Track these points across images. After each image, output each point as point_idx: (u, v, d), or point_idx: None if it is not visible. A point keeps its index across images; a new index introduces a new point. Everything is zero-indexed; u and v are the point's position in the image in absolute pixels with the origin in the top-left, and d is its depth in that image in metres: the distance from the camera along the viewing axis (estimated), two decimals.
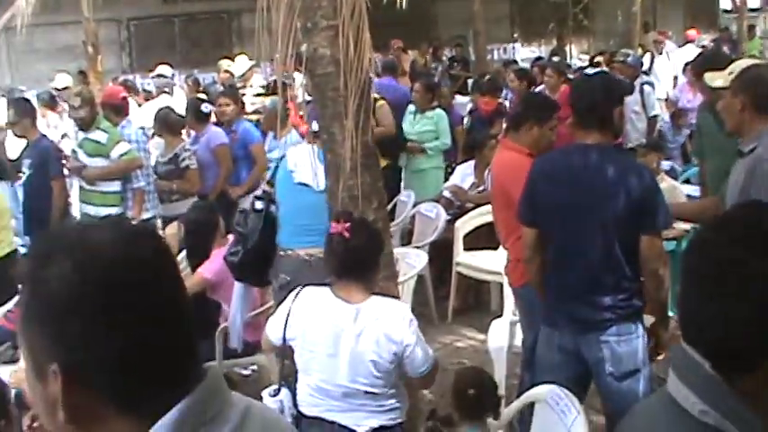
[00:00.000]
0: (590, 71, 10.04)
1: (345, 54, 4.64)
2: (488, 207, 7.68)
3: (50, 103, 12.84)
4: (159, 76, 13.57)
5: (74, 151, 8.64)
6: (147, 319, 1.36)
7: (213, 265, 6.34)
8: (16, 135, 8.89)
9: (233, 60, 13.98)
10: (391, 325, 3.95)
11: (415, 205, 9.04)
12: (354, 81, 4.60)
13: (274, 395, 4.37)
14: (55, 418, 1.37)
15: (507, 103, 11.71)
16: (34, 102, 10.18)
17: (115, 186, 8.31)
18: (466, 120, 11.57)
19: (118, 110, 8.94)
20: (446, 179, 9.69)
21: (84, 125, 8.39)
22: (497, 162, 5.84)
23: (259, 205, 6.04)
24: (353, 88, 4.60)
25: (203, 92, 12.84)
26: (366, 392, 4.02)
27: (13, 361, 6.35)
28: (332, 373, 4.05)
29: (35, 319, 1.37)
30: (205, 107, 9.37)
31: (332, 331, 4.03)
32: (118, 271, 1.35)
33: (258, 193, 6.65)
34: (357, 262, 4.08)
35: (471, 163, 9.06)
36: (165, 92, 13.27)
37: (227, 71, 13.59)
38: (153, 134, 9.28)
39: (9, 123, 8.78)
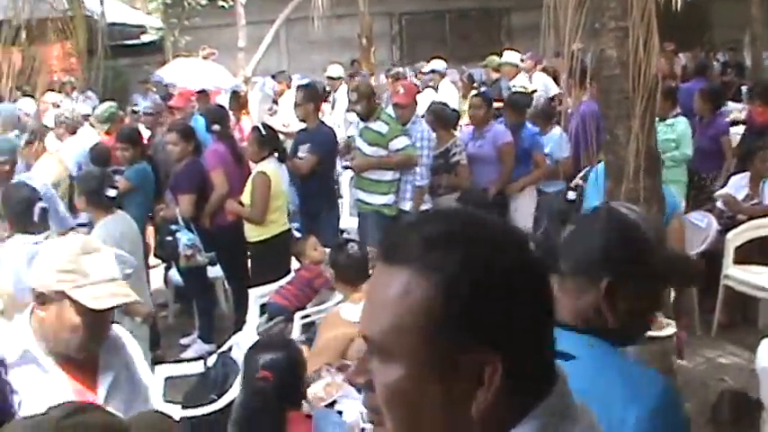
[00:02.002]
0: None
1: (634, 56, 4.59)
2: (763, 221, 7.38)
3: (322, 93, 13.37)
4: (433, 71, 13.79)
5: (350, 138, 8.95)
6: (548, 301, 1.37)
7: None
8: (298, 118, 9.34)
9: (500, 57, 14.04)
10: None
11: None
12: (642, 84, 4.55)
13: None
14: (459, 413, 1.31)
15: None
16: None
17: (389, 175, 8.51)
18: (734, 129, 11.07)
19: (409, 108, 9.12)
20: (689, 192, 9.34)
21: (364, 116, 8.69)
22: None
23: (571, 195, 6.11)
24: (641, 91, 4.55)
25: (476, 88, 12.95)
26: None
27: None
28: None
29: (470, 304, 1.28)
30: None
31: None
32: (527, 256, 1.35)
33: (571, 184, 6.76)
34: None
35: (746, 174, 8.69)
36: (430, 86, 13.50)
37: (495, 69, 13.69)
38: None
39: (295, 104, 9.22)
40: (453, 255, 1.28)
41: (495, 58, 14.15)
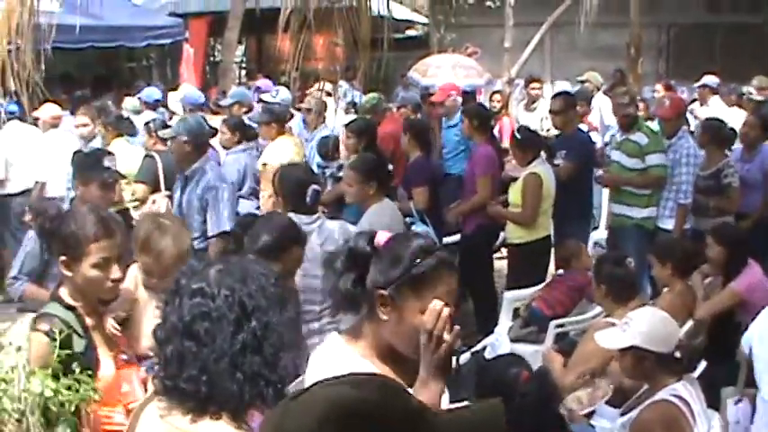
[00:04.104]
0: None
1: None
2: None
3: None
4: (704, 85, 13.29)
5: (608, 143, 8.83)
6: None
7: (746, 279, 6.23)
8: (555, 127, 9.31)
9: None
10: None
11: None
12: None
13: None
14: None
15: None
16: None
17: (647, 189, 8.32)
18: None
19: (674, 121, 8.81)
20: None
21: (626, 126, 8.53)
22: None
23: None
24: None
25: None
26: None
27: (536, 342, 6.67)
28: None
29: None
30: None
31: None
32: None
33: None
34: None
35: None
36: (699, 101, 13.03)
37: (763, 88, 13.03)
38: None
39: (552, 112, 9.19)
40: None
41: (764, 78, 13.46)
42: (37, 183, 10.06)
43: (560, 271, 7.49)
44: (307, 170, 6.48)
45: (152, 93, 12.29)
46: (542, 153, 8.18)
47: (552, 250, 8.17)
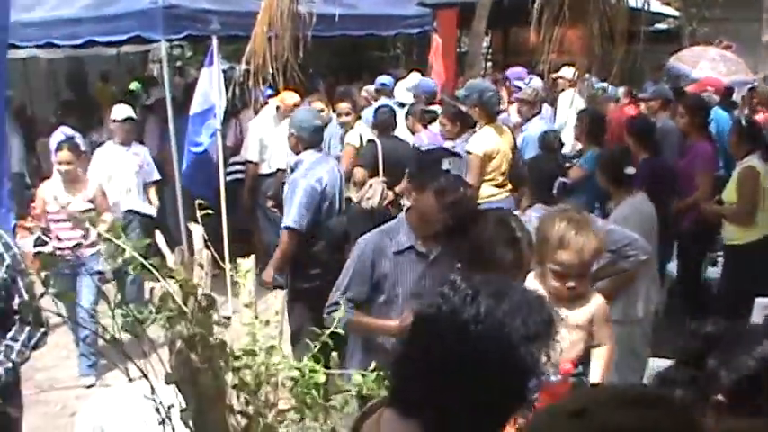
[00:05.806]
0: None
1: None
2: None
3: None
4: None
5: None
6: None
7: None
8: None
9: None
10: None
11: None
12: None
13: None
14: None
15: None
16: None
17: None
18: None
19: None
20: None
21: None
22: None
23: None
24: None
25: None
26: None
27: None
28: None
29: None
30: None
31: None
32: None
33: None
34: None
35: None
36: None
37: None
38: None
39: None
40: None
41: None
42: (279, 170, 10.38)
43: None
44: (555, 162, 6.43)
45: (384, 80, 12.36)
46: (759, 150, 7.74)
47: None
